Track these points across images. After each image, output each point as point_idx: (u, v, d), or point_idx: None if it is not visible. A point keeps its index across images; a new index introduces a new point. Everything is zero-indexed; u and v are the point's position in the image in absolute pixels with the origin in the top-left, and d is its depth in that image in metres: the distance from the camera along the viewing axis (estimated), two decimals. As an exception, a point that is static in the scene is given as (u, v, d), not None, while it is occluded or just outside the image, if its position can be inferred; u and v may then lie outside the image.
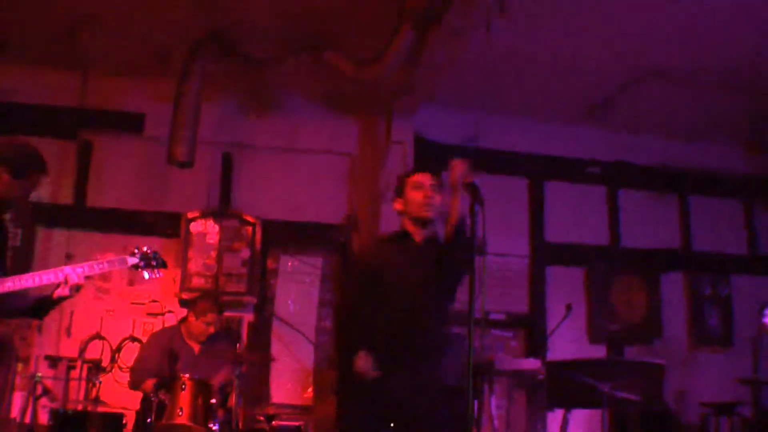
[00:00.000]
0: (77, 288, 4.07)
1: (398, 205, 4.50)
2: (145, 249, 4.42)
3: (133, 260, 4.35)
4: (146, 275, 4.46)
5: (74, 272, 4.05)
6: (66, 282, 4.03)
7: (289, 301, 8.26)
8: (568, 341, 8.10)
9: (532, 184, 9.20)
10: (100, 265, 4.17)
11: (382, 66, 6.83)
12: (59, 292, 4.07)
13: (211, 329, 6.83)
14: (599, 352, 8.83)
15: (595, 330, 8.88)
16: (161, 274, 4.54)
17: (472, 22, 6.32)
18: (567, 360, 5.87)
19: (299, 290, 8.34)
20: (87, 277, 4.11)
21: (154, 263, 4.45)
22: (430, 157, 8.52)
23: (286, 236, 8.38)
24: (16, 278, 3.97)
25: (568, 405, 6.00)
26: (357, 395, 4.22)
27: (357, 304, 4.40)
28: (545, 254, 9.06)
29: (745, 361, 8.77)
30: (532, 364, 5.84)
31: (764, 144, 9.62)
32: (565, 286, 8.90)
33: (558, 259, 9.09)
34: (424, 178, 4.44)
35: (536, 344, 8.40)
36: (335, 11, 6.91)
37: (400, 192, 4.49)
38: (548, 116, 8.99)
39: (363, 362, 4.07)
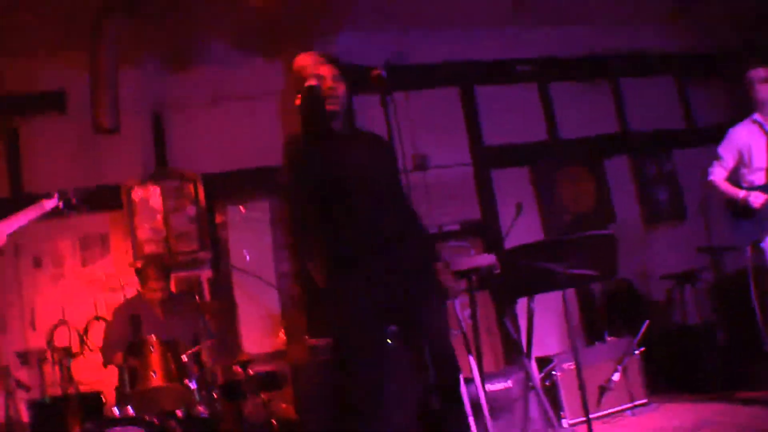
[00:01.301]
0: None
1: (299, 101, 4.05)
2: (63, 190, 4.30)
3: (50, 203, 4.23)
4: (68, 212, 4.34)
5: None
6: None
7: (244, 251, 8.24)
8: (524, 240, 8.17)
9: (464, 92, 9.20)
10: (18, 219, 4.05)
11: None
12: None
13: (158, 295, 6.76)
14: (556, 245, 8.94)
15: (548, 224, 8.99)
16: (86, 210, 4.40)
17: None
18: (517, 246, 5.89)
19: (252, 238, 8.30)
20: (9, 235, 4.00)
21: (74, 201, 4.31)
22: (355, 82, 8.49)
23: (229, 187, 8.33)
24: None
25: (529, 292, 6.06)
26: (340, 298, 3.85)
27: (307, 209, 3.99)
28: (488, 159, 9.10)
29: (699, 231, 8.96)
30: (486, 259, 5.82)
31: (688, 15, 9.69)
32: (513, 187, 8.98)
33: (501, 161, 9.16)
34: (324, 70, 4.06)
35: (493, 248, 8.47)
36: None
37: (300, 86, 4.04)
38: (470, 22, 8.93)
39: None
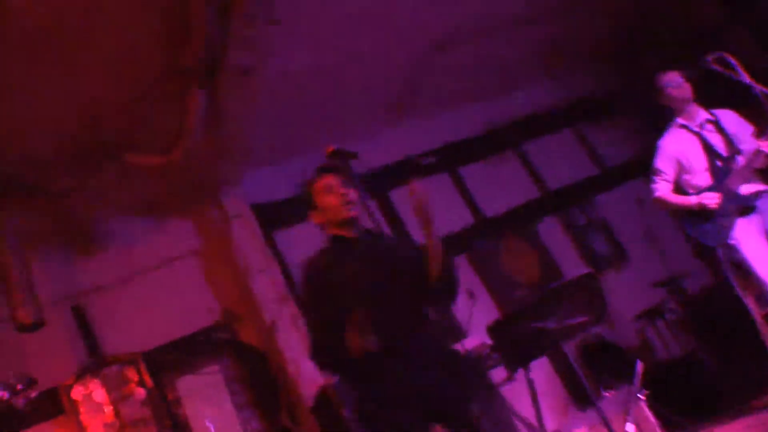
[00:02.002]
0: None
1: (317, 219, 4.04)
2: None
3: None
4: (22, 401, 3.93)
5: None
6: None
7: (207, 421, 7.51)
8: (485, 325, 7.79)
9: (380, 200, 8.82)
10: None
11: (188, 140, 6.36)
12: None
13: None
14: (517, 321, 8.55)
15: (504, 303, 8.57)
16: (35, 391, 3.99)
17: (255, 51, 5.96)
18: (506, 315, 5.48)
19: (211, 406, 7.65)
20: None
21: (20, 386, 3.88)
22: (273, 217, 8.12)
23: (172, 359, 7.69)
24: None
25: (526, 360, 5.57)
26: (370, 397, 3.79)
27: (323, 324, 3.85)
28: (424, 257, 8.69)
29: (649, 264, 8.67)
30: (474, 341, 5.44)
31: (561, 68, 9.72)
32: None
33: (438, 256, 8.76)
34: (330, 180, 3.99)
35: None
36: (119, 110, 6.36)
37: (311, 204, 4.03)
38: (364, 130, 8.66)
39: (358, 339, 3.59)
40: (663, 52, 8.97)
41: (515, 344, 5.22)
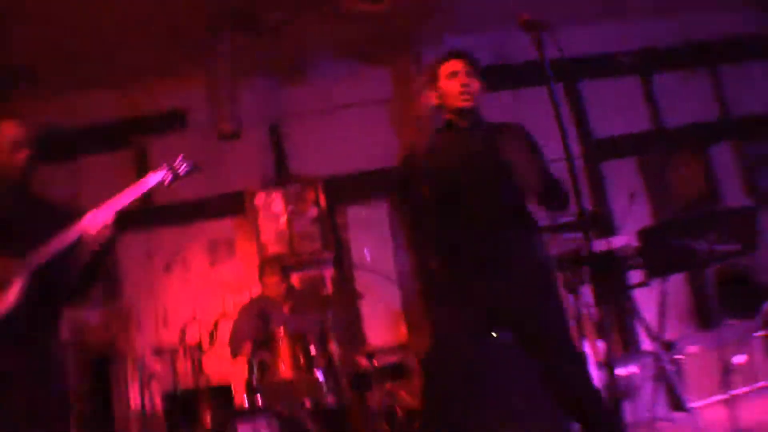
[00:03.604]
0: (108, 230, 3.43)
1: (433, 99, 3.82)
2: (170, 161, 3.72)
3: (156, 177, 3.73)
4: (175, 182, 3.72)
5: (93, 219, 3.39)
6: (87, 233, 3.38)
7: (365, 250, 7.89)
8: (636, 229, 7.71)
9: (568, 87, 8.66)
10: (123, 197, 3.46)
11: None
12: (91, 248, 3.41)
13: (278, 291, 6.65)
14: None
15: (660, 214, 8.41)
16: (198, 172, 3.87)
17: None
18: (655, 224, 5.35)
19: (372, 238, 7.99)
20: (118, 212, 3.42)
21: (181, 170, 3.80)
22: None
23: (348, 189, 8.11)
24: (31, 256, 3.33)
25: (666, 272, 5.33)
26: (446, 301, 3.69)
27: (418, 206, 3.77)
28: (596, 151, 8.62)
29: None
30: (621, 240, 5.32)
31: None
32: (622, 178, 8.46)
33: (610, 153, 8.67)
34: (457, 65, 3.78)
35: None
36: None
37: (433, 83, 3.83)
38: (567, 20, 8.38)
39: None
40: None
41: (661, 254, 5.07)
